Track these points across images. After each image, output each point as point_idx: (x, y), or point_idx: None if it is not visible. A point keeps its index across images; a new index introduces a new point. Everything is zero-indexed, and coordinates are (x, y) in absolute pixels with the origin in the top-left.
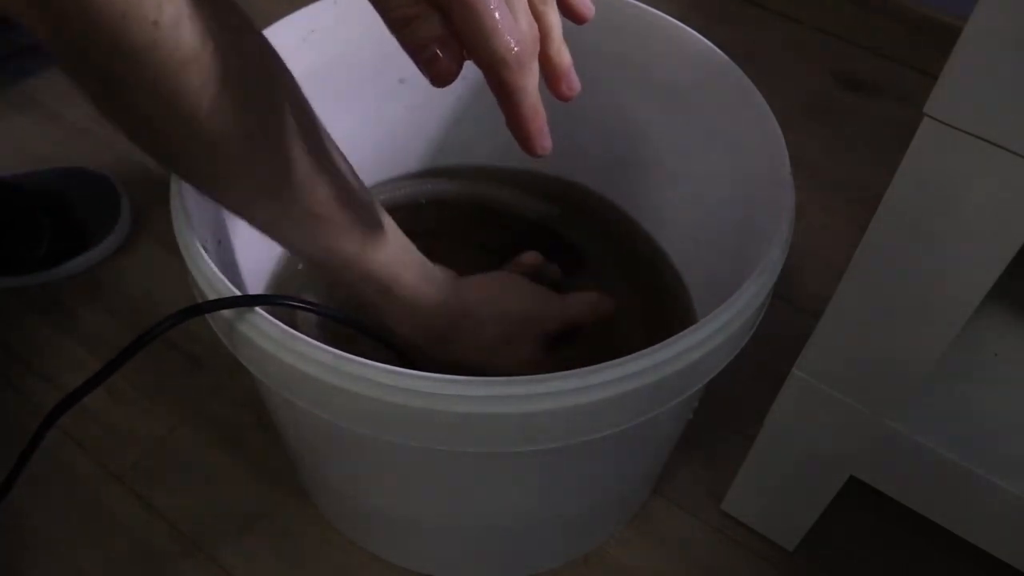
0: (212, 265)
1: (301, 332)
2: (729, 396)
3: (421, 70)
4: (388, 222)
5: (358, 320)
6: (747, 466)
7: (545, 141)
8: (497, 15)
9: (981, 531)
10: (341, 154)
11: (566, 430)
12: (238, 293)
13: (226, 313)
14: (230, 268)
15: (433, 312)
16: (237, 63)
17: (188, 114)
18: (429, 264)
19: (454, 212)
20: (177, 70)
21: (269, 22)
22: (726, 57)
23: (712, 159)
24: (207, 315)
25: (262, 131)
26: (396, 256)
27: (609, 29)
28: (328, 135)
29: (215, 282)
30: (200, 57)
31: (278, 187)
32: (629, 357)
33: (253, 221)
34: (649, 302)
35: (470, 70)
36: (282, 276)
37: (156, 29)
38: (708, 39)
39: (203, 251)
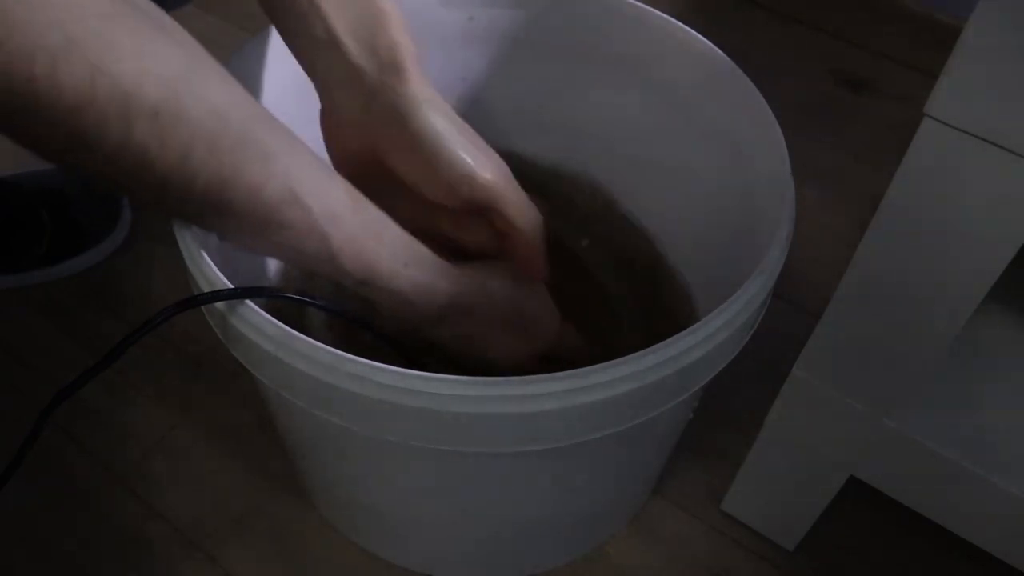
0: (210, 263)
1: (313, 333)
2: (729, 396)
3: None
4: (348, 198)
5: (358, 316)
6: (747, 466)
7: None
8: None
9: (981, 531)
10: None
11: (566, 430)
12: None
13: (225, 312)
14: (231, 270)
15: (419, 299)
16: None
17: (98, 156)
18: (414, 243)
19: None
20: (66, 117)
21: (269, 22)
22: (726, 57)
23: (712, 159)
24: (206, 316)
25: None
26: (369, 240)
27: (609, 29)
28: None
29: (213, 279)
30: (88, 98)
31: (216, 193)
32: (629, 357)
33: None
34: (649, 302)
35: (470, 72)
36: (285, 279)
37: (31, 83)
38: (708, 39)
39: (202, 250)
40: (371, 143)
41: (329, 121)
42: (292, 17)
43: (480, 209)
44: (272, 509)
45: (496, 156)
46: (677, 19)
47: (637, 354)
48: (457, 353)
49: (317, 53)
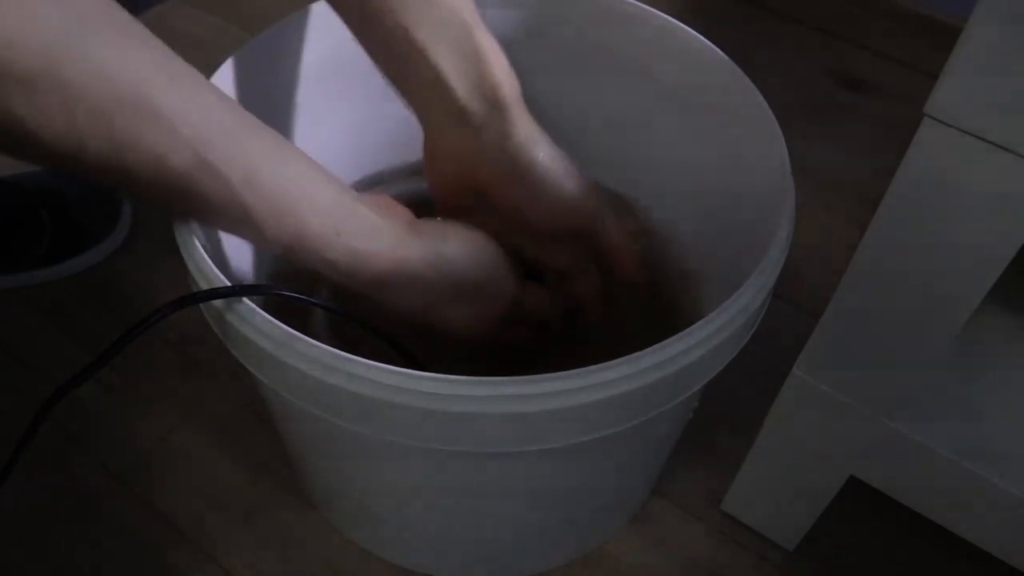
0: (209, 261)
1: (313, 332)
2: (729, 396)
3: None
4: (269, 158)
5: (358, 315)
6: (747, 466)
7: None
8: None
9: (981, 531)
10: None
11: (566, 430)
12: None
13: (223, 311)
14: (230, 269)
15: (357, 268)
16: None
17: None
18: (356, 207)
19: None
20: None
21: (269, 22)
22: (726, 57)
23: (712, 159)
24: (206, 316)
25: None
26: (294, 207)
27: (609, 29)
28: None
29: (212, 277)
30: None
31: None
32: (629, 357)
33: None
34: (649, 301)
35: None
36: (283, 278)
37: None
38: (708, 39)
39: (201, 249)
40: (473, 174)
41: (432, 154)
42: (397, 59)
43: (578, 234)
44: (272, 509)
45: (591, 183)
46: (677, 19)
47: (637, 354)
48: (416, 327)
49: (424, 93)
